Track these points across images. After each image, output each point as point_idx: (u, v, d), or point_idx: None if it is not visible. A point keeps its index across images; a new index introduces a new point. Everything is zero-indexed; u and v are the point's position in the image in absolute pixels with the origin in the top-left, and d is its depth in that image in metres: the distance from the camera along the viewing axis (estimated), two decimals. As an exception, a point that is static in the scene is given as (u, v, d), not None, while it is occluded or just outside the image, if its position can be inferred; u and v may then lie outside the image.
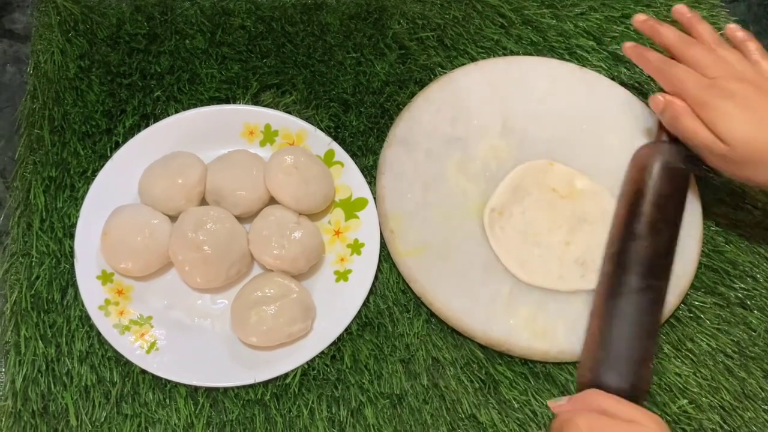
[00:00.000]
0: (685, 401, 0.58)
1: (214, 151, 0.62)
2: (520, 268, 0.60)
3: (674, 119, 0.58)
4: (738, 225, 0.64)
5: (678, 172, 0.60)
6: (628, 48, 0.63)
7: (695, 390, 0.58)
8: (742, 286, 0.62)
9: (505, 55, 0.69)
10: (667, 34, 0.61)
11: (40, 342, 0.56)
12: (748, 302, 0.61)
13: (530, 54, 0.70)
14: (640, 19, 0.63)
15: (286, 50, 0.68)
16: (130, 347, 0.55)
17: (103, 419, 0.54)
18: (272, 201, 0.60)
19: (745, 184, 0.63)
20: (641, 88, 0.69)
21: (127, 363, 0.56)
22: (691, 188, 0.63)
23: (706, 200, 0.64)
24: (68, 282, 0.58)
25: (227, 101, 0.65)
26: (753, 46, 0.59)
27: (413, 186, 0.62)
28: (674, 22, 0.63)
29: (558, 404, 0.52)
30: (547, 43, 0.70)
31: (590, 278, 0.60)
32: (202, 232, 0.56)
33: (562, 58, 0.70)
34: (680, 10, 0.63)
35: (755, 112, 0.54)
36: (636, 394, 0.53)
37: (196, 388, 0.56)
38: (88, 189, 0.59)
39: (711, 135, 0.55)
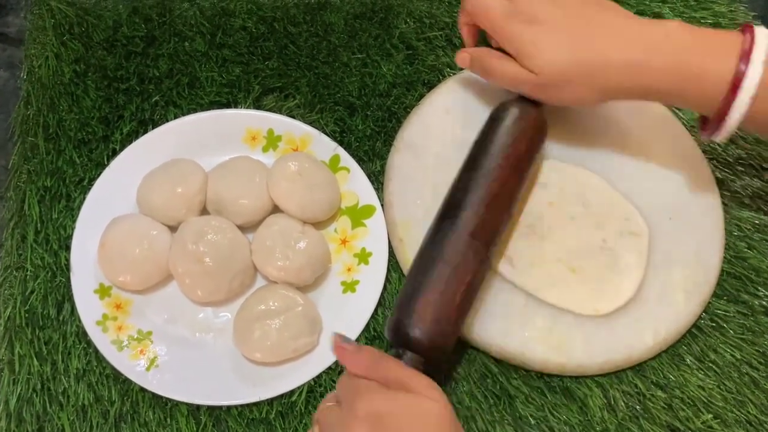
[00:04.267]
0: (710, 416, 0.55)
1: (215, 158, 0.60)
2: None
3: (484, 69, 0.58)
4: (761, 229, 0.62)
5: (525, 111, 0.57)
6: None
7: (720, 404, 0.56)
8: (767, 293, 0.60)
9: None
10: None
11: (35, 360, 0.54)
12: (774, 310, 0.59)
13: (542, 53, 0.67)
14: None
15: (289, 52, 0.66)
16: (129, 364, 0.53)
17: (101, 440, 0.53)
18: (276, 209, 0.59)
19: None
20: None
21: (126, 381, 0.54)
22: (712, 193, 0.61)
23: (727, 204, 0.62)
24: (64, 296, 0.56)
25: (228, 106, 0.64)
26: None
27: (422, 192, 0.60)
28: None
29: (347, 353, 0.46)
30: (559, 41, 0.68)
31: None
32: (203, 243, 0.55)
33: (575, 57, 0.67)
34: None
35: (558, 32, 0.54)
36: (433, 348, 0.49)
37: (198, 407, 0.54)
38: (84, 199, 0.58)
39: (518, 67, 0.55)
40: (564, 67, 0.53)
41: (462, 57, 0.59)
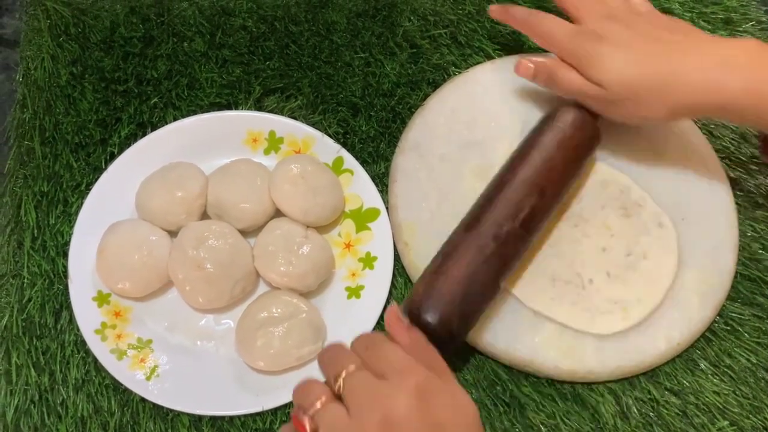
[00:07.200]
0: (726, 423, 0.54)
1: (215, 161, 0.59)
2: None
3: (549, 78, 0.57)
4: (776, 230, 0.61)
5: (582, 119, 0.56)
6: (494, 11, 0.61)
7: (736, 410, 0.54)
8: (783, 296, 0.58)
9: (522, 51, 0.66)
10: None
11: (32, 370, 0.53)
12: (789, 313, 0.58)
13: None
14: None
15: (290, 51, 0.65)
16: (128, 374, 0.52)
17: (101, 452, 0.51)
18: (278, 213, 0.57)
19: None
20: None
21: (126, 391, 0.53)
22: (725, 193, 0.60)
23: (741, 204, 0.61)
24: (62, 304, 0.55)
25: (229, 107, 0.62)
26: None
27: (428, 194, 0.59)
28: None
29: (401, 327, 0.46)
30: (567, 38, 0.67)
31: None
32: (204, 248, 0.53)
33: (583, 54, 0.66)
34: None
35: (626, 49, 0.53)
36: (448, 337, 0.49)
37: (200, 417, 0.52)
38: (82, 204, 0.57)
39: (584, 80, 0.54)
40: (632, 82, 0.52)
41: (524, 66, 0.58)
